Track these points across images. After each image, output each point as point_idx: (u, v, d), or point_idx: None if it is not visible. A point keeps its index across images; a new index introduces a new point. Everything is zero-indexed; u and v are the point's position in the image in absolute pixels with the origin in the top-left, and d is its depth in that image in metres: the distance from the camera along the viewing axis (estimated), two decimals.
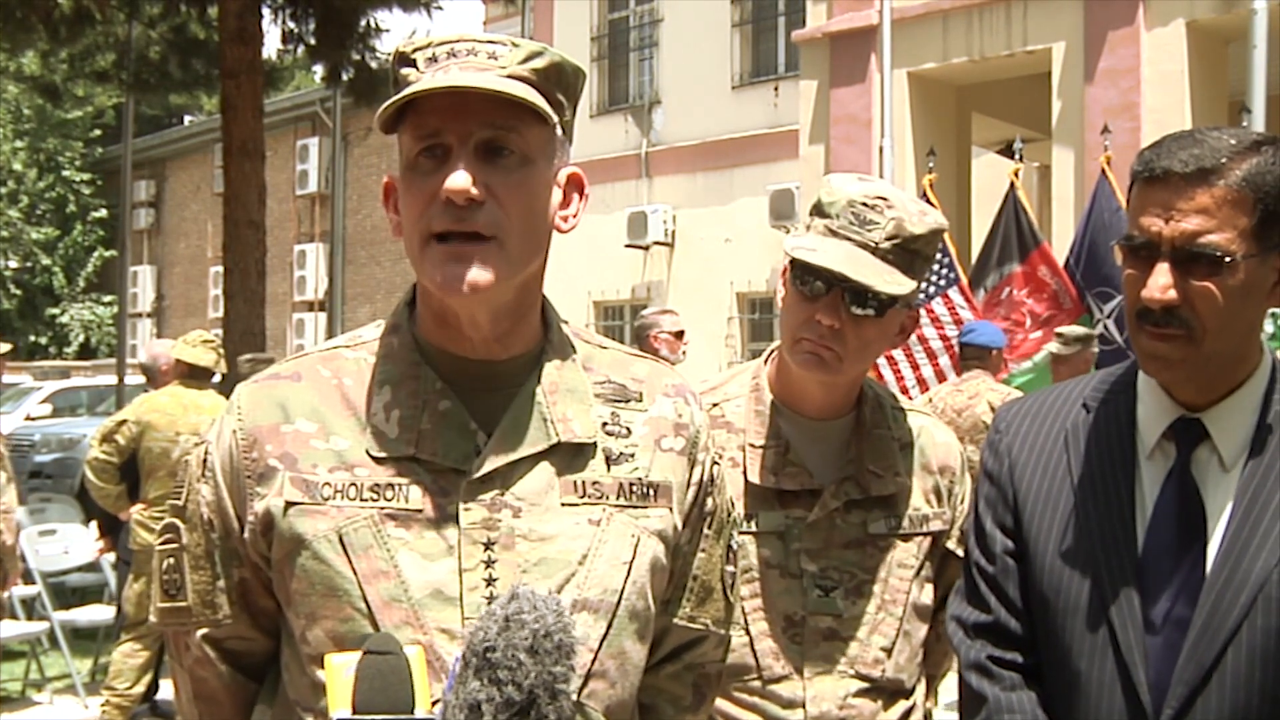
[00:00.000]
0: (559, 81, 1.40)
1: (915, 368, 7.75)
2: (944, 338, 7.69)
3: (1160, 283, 1.48)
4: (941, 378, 7.55)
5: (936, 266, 7.74)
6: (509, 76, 1.35)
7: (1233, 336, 1.52)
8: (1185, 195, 1.48)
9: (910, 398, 6.76)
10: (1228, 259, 1.47)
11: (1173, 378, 1.56)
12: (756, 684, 1.92)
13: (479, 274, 1.34)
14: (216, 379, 6.31)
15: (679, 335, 6.13)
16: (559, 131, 1.41)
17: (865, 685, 1.93)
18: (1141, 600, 1.53)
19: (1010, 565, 1.66)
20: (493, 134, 1.34)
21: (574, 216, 1.46)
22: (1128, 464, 1.60)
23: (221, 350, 6.28)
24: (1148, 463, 1.59)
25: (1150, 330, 1.52)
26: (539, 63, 1.37)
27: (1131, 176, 1.56)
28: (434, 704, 1.24)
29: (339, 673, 1.22)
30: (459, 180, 1.31)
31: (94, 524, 7.56)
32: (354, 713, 1.18)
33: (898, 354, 7.69)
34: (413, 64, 1.37)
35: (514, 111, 1.34)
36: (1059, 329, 6.76)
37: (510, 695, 1.20)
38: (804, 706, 1.90)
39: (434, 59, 1.36)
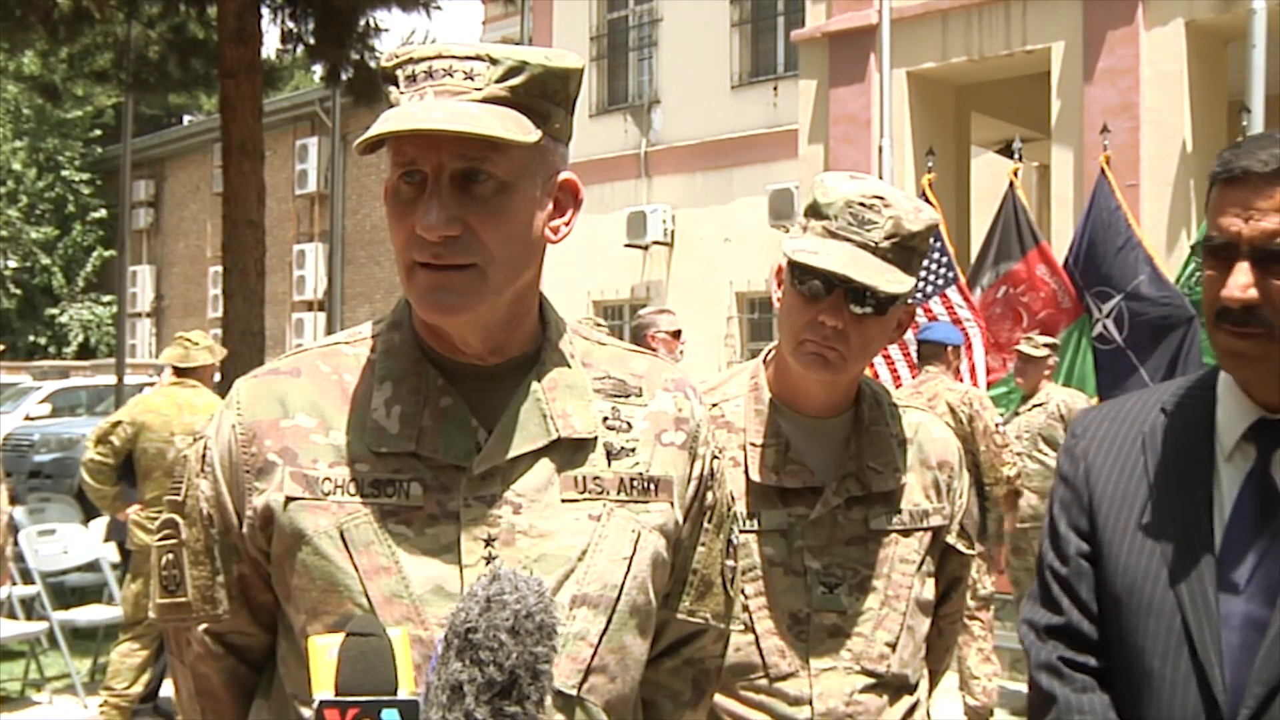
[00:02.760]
0: (544, 92, 1.38)
1: (913, 367, 7.74)
2: None
3: (1240, 281, 1.48)
4: None
5: (935, 266, 7.75)
6: (484, 99, 1.34)
7: None
8: (1265, 194, 1.48)
9: None
10: None
11: (1253, 375, 1.55)
12: (763, 682, 1.93)
13: (459, 301, 1.35)
14: (217, 378, 6.31)
15: (676, 335, 6.16)
16: (550, 139, 1.39)
17: (871, 681, 1.93)
18: (1218, 600, 1.51)
19: (1084, 568, 1.64)
20: (467, 164, 1.33)
21: (566, 225, 1.44)
22: (1205, 465, 1.58)
23: (206, 347, 6.18)
24: (1226, 464, 1.58)
25: (1229, 329, 1.51)
26: (518, 79, 1.35)
27: (1210, 179, 1.56)
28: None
29: (322, 654, 1.21)
30: (430, 222, 1.32)
31: (94, 524, 7.57)
32: (337, 694, 1.18)
33: (895, 353, 7.69)
34: (394, 81, 1.37)
35: (488, 138, 1.32)
36: (1028, 334, 6.87)
37: (492, 676, 1.20)
38: (810, 703, 1.91)
39: (413, 78, 1.36)
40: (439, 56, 1.36)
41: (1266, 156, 1.49)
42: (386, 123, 1.32)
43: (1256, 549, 1.52)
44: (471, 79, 1.34)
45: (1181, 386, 1.69)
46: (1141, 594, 1.56)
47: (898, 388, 7.50)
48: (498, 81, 1.34)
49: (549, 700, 1.25)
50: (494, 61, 1.35)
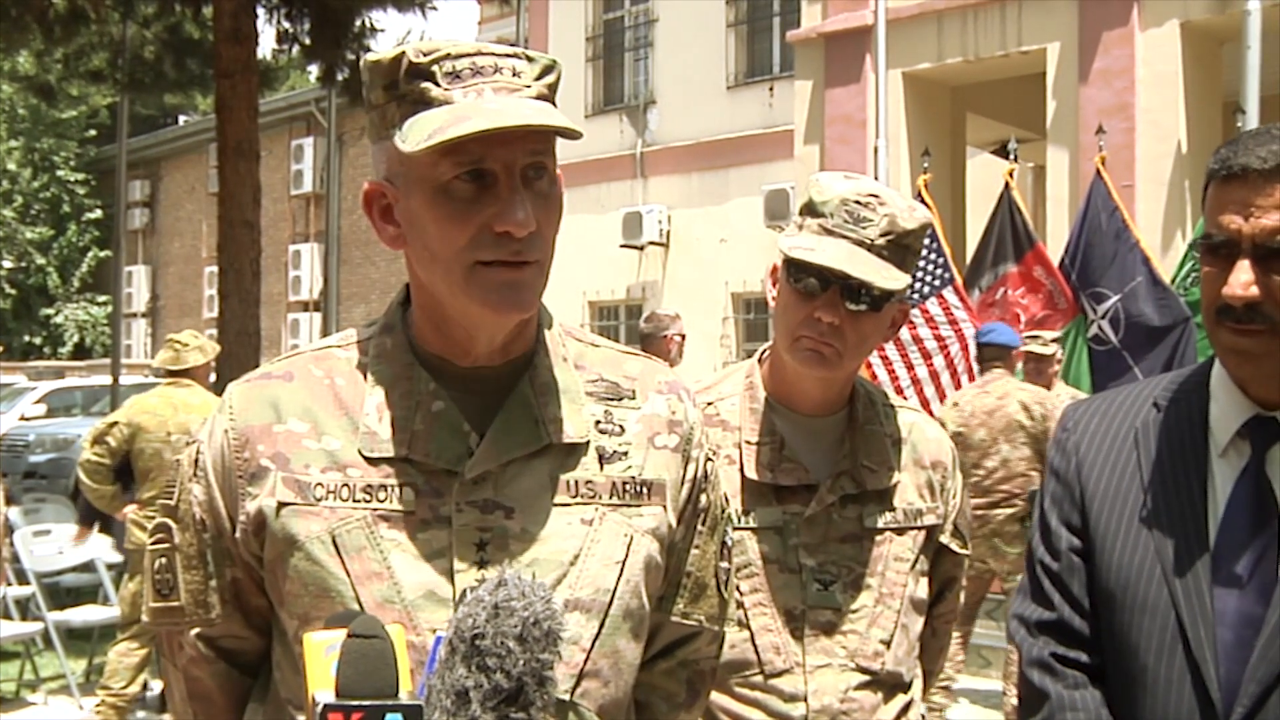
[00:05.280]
0: (557, 90, 1.41)
1: (910, 368, 7.76)
2: (938, 337, 7.71)
3: (1242, 279, 1.48)
4: (936, 378, 7.58)
5: (931, 266, 7.75)
6: (535, 96, 1.35)
7: None
8: (1264, 192, 1.48)
9: (905, 397, 6.78)
10: None
11: (1255, 372, 1.54)
12: (758, 679, 1.94)
13: (529, 298, 1.37)
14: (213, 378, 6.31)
15: (683, 338, 6.49)
16: None
17: (866, 678, 1.94)
18: (1213, 597, 1.51)
19: (1076, 563, 1.63)
20: (532, 159, 1.34)
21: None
22: (1199, 461, 1.58)
23: (196, 348, 6.17)
24: (1220, 460, 1.57)
25: (1231, 326, 1.51)
26: (551, 77, 1.39)
27: (1207, 176, 1.55)
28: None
29: (318, 650, 1.20)
30: (521, 219, 1.31)
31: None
32: (338, 696, 1.17)
33: (892, 353, 7.70)
34: (429, 78, 1.34)
35: (548, 134, 1.34)
36: (1034, 333, 6.89)
37: (499, 683, 1.20)
38: (806, 700, 1.92)
39: (456, 75, 1.34)
40: (479, 54, 1.36)
41: (1265, 153, 1.48)
42: (470, 121, 1.28)
43: (1251, 546, 1.52)
44: (519, 76, 1.36)
45: (1174, 381, 1.68)
46: (1136, 590, 1.56)
47: (894, 386, 7.51)
48: (537, 79, 1.37)
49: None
50: (530, 60, 1.38)
